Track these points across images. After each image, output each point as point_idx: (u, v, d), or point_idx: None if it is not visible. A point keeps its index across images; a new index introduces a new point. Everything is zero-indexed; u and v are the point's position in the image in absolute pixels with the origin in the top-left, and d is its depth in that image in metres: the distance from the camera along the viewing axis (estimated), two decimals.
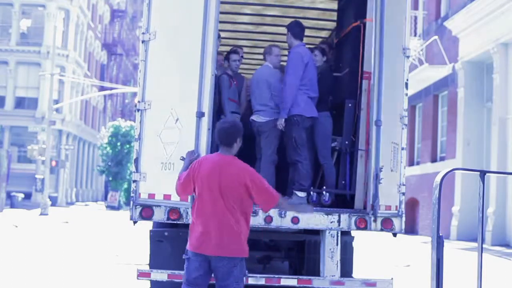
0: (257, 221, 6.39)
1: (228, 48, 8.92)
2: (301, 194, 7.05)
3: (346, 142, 7.32)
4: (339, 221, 6.44)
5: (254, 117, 7.49)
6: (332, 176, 7.47)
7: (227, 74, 7.74)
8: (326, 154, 7.55)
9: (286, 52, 11.91)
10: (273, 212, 6.40)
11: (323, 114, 7.57)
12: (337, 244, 6.43)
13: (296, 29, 7.55)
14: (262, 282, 6.37)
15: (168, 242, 7.25)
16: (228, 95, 7.59)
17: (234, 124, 5.21)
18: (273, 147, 7.41)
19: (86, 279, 9.55)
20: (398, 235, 6.65)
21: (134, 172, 6.53)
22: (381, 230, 6.49)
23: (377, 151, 6.37)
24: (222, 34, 11.51)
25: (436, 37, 19.88)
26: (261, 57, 9.09)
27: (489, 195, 15.29)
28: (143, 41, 6.61)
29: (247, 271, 5.13)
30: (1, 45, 42.23)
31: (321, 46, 8.28)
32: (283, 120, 7.15)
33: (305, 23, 10.61)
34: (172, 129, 6.28)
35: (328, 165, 7.53)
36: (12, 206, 33.14)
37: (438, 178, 5.29)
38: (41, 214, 29.68)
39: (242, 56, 8.27)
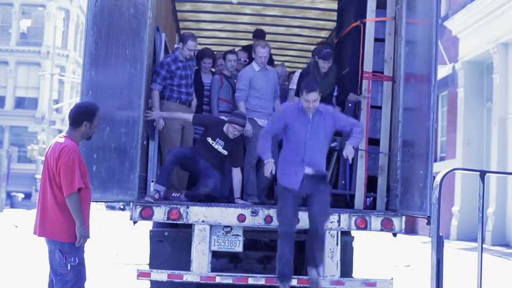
0: (257, 221, 6.40)
1: (227, 48, 8.93)
2: None
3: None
4: (339, 221, 6.44)
5: None
6: None
7: (222, 74, 7.78)
8: None
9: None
10: (273, 213, 6.41)
11: None
12: (337, 244, 6.43)
13: None
14: (262, 282, 6.37)
15: (168, 242, 7.25)
16: (218, 94, 7.64)
17: (83, 106, 4.97)
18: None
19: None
20: (398, 235, 6.65)
21: None
22: (381, 230, 6.48)
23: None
24: (222, 34, 11.55)
25: None
26: None
27: (489, 195, 15.27)
28: None
29: (76, 258, 4.98)
30: (1, 45, 42.22)
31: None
32: None
33: (305, 23, 10.65)
34: None
35: None
36: (12, 206, 33.09)
37: (438, 178, 5.30)
38: None
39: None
